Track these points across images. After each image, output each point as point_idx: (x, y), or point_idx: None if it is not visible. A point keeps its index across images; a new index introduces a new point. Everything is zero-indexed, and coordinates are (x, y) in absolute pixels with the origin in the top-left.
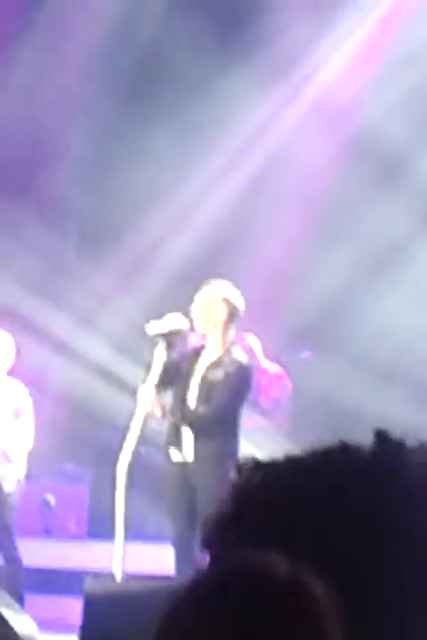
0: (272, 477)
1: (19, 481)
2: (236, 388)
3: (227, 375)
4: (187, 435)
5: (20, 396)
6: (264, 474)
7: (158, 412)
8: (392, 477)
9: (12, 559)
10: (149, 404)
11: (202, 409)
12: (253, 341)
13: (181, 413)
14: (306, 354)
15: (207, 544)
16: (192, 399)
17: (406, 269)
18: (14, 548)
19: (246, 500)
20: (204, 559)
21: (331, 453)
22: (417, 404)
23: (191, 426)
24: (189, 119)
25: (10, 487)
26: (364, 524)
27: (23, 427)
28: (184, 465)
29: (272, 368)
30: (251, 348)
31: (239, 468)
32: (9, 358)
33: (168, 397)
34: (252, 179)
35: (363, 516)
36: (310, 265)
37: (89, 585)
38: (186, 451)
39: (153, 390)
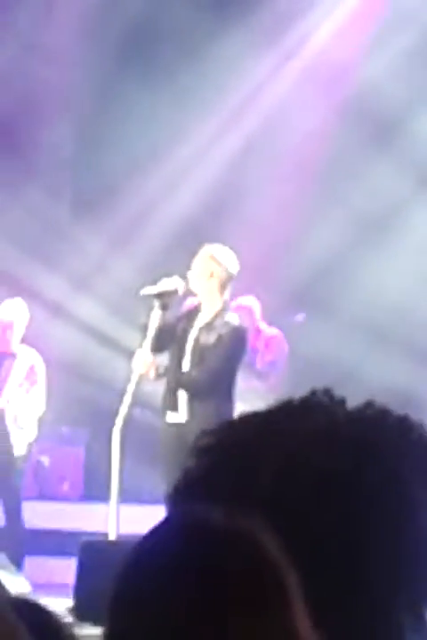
0: (241, 433)
1: (29, 444)
2: (229, 350)
3: (220, 338)
4: (182, 397)
5: (35, 363)
6: (235, 431)
7: (152, 374)
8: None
9: (16, 523)
10: (143, 366)
11: (195, 372)
12: (254, 303)
13: (175, 376)
14: (300, 316)
15: (170, 499)
16: (186, 362)
17: (401, 232)
18: (19, 513)
19: (213, 456)
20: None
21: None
22: (412, 366)
23: (186, 388)
24: (185, 81)
25: (20, 451)
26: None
27: (36, 393)
28: (179, 426)
29: (269, 331)
30: (251, 310)
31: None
32: (23, 326)
33: (163, 359)
34: (247, 141)
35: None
36: (305, 227)
37: (84, 544)
38: (181, 413)
39: (147, 352)
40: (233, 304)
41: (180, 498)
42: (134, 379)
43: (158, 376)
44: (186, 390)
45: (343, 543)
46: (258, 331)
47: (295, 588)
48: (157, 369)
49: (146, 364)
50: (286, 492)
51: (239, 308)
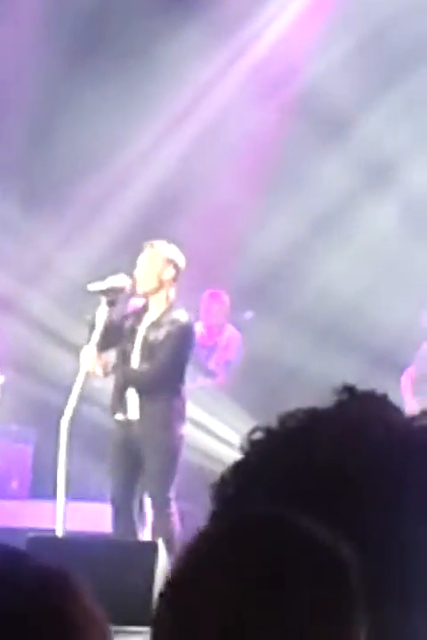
0: (283, 442)
1: None
2: (178, 346)
3: (168, 334)
4: (131, 395)
5: None
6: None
7: (100, 371)
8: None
9: None
10: (90, 363)
11: (145, 367)
12: (227, 299)
13: (124, 373)
14: (249, 314)
15: (223, 497)
16: (135, 359)
17: (348, 230)
18: None
19: (267, 458)
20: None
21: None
22: (356, 364)
23: (135, 384)
24: (135, 79)
25: None
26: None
27: None
28: (128, 424)
29: (232, 330)
30: (226, 306)
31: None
32: None
33: (111, 357)
34: (195, 139)
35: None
36: (254, 226)
37: (30, 540)
38: (130, 411)
39: (95, 349)
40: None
41: (237, 491)
42: (81, 375)
43: (106, 373)
44: (135, 386)
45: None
46: (222, 327)
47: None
48: (104, 366)
49: (92, 360)
50: (346, 458)
51: (218, 299)
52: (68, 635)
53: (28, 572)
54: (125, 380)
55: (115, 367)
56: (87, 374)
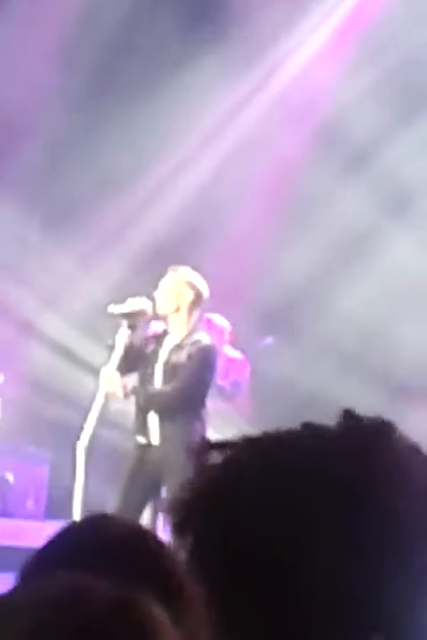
0: (234, 460)
1: None
2: (199, 368)
3: (190, 357)
4: (152, 419)
5: None
6: (226, 458)
7: (120, 392)
8: (363, 453)
9: None
10: (110, 385)
11: (167, 389)
12: (225, 323)
13: (144, 395)
14: (269, 340)
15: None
16: (157, 382)
17: (371, 258)
18: None
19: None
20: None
21: (295, 431)
22: (377, 391)
23: (156, 405)
24: (158, 104)
25: None
26: (343, 499)
27: None
28: (147, 446)
29: (232, 352)
30: (223, 330)
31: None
32: None
33: (131, 381)
34: (219, 165)
35: (339, 492)
36: (276, 252)
37: None
38: (152, 434)
39: (115, 371)
40: (205, 316)
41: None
42: (100, 397)
43: (126, 395)
44: (155, 407)
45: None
46: (221, 351)
47: None
48: (124, 387)
49: (112, 381)
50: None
51: (210, 325)
52: None
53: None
54: (146, 401)
55: (135, 390)
56: (106, 396)
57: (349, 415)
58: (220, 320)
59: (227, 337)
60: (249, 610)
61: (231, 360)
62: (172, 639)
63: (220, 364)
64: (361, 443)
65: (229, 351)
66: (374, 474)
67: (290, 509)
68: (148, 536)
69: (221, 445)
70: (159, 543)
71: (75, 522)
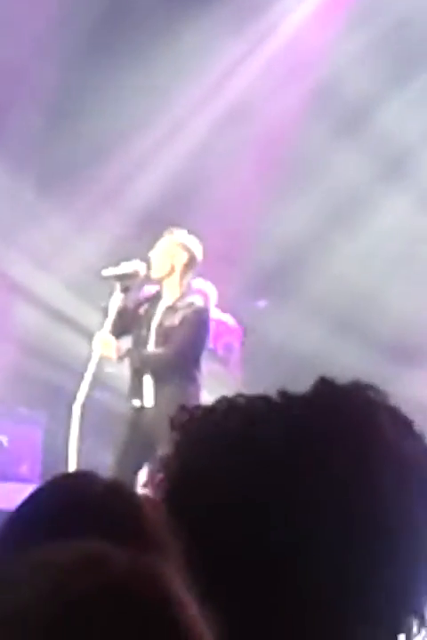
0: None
1: None
2: (193, 330)
3: (183, 319)
4: (147, 382)
5: None
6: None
7: (114, 355)
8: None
9: None
10: (103, 347)
11: (161, 350)
12: (210, 288)
13: (139, 357)
14: (262, 303)
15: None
16: (151, 344)
17: (365, 220)
18: None
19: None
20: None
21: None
22: (371, 352)
23: (150, 369)
24: (152, 65)
25: None
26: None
27: None
28: (142, 409)
29: (221, 315)
30: (206, 295)
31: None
32: None
33: (125, 343)
34: (212, 128)
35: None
36: (269, 215)
37: None
38: (147, 397)
39: (108, 334)
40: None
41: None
42: (95, 359)
43: (120, 358)
44: (150, 369)
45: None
46: (218, 314)
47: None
48: (118, 350)
49: (106, 343)
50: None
51: (196, 292)
52: None
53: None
54: (141, 363)
55: (129, 352)
56: (100, 359)
57: (323, 380)
58: (203, 285)
59: (213, 302)
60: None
61: (221, 323)
62: (192, 609)
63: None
64: (332, 402)
65: (217, 314)
66: (344, 430)
67: (258, 480)
68: (125, 491)
69: (201, 410)
70: (137, 498)
71: (50, 482)
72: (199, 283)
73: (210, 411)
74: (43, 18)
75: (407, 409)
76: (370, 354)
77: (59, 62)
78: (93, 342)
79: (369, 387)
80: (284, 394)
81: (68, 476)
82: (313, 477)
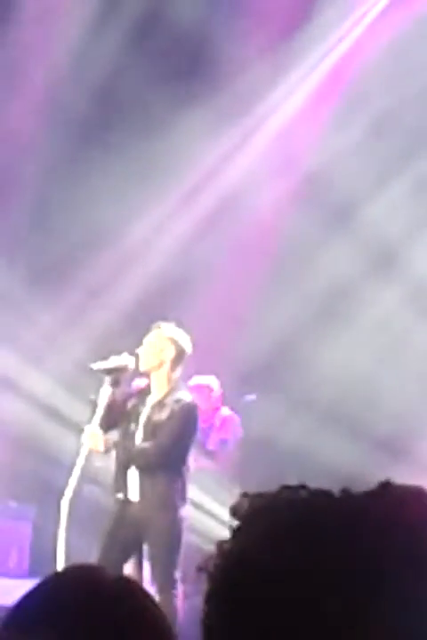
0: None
1: None
2: (180, 426)
3: (171, 414)
4: (132, 476)
5: None
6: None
7: (102, 447)
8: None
9: None
10: (91, 440)
11: (147, 445)
12: (213, 382)
13: (125, 451)
14: (251, 397)
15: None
16: (138, 439)
17: (353, 314)
18: None
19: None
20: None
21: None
22: (359, 448)
23: (137, 462)
24: (141, 159)
25: None
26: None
27: None
28: (127, 504)
29: (226, 411)
30: (210, 388)
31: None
32: None
33: (113, 436)
34: (203, 220)
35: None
36: (258, 308)
37: None
38: (131, 491)
39: (97, 427)
40: (191, 382)
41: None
42: (84, 453)
43: (108, 450)
44: (137, 463)
45: None
46: (215, 409)
47: None
48: (106, 442)
49: (93, 436)
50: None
51: (199, 387)
52: None
53: None
54: (128, 457)
55: (117, 445)
56: (89, 453)
57: (387, 482)
58: (207, 379)
59: (217, 394)
60: None
61: (224, 418)
62: None
63: (214, 423)
64: (393, 500)
65: (223, 410)
66: (399, 528)
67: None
68: (134, 587)
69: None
70: (145, 594)
71: (60, 573)
72: (201, 378)
73: (273, 500)
74: (32, 109)
75: None
76: (359, 447)
77: (48, 154)
78: (83, 435)
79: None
80: (345, 490)
81: (80, 567)
82: (365, 571)
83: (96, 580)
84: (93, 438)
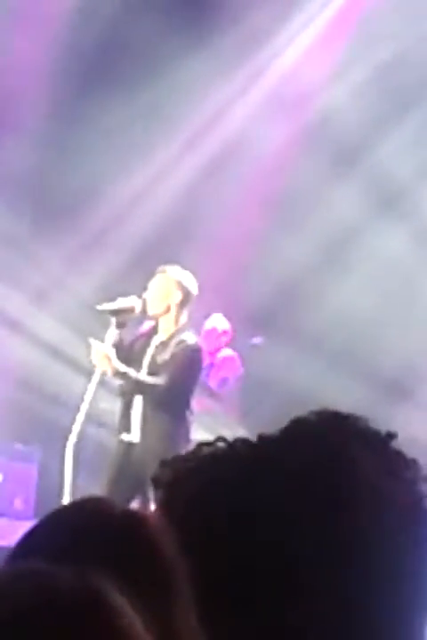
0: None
1: None
2: (182, 368)
3: (174, 356)
4: (135, 417)
5: None
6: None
7: (109, 370)
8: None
9: None
10: (101, 361)
11: (155, 380)
12: (225, 324)
13: (134, 381)
14: (258, 340)
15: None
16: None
17: (361, 256)
18: None
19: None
20: None
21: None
22: (366, 389)
23: (140, 394)
24: (147, 100)
25: None
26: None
27: None
28: (131, 445)
29: (226, 351)
30: (229, 334)
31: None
32: None
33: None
34: (209, 162)
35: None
36: (266, 250)
37: None
38: (134, 432)
39: (110, 348)
40: (209, 323)
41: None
42: (90, 393)
43: (116, 374)
44: (140, 393)
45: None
46: (218, 350)
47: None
48: (114, 369)
49: (105, 359)
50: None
51: (213, 331)
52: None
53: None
54: (134, 386)
55: (122, 387)
56: (95, 394)
57: (296, 420)
58: (221, 322)
59: (227, 339)
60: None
61: (224, 357)
62: (136, 630)
63: (214, 362)
64: (304, 441)
65: (227, 351)
66: (316, 466)
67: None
68: (144, 518)
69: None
70: (155, 526)
71: (68, 504)
72: (214, 319)
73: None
74: (36, 54)
75: (403, 445)
76: (366, 389)
77: (52, 99)
78: (92, 353)
79: (346, 420)
80: (261, 437)
81: (89, 499)
82: (290, 515)
83: (106, 510)
84: (103, 360)
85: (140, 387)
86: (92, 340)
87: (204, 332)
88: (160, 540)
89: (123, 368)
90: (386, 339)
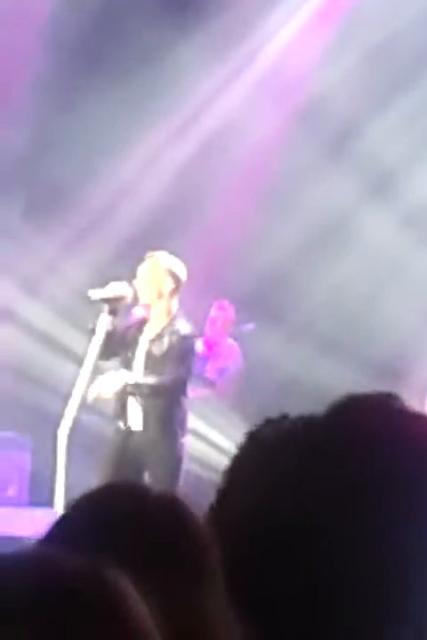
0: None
1: None
2: (179, 358)
3: (170, 347)
4: (133, 405)
5: None
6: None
7: (108, 395)
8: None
9: None
10: (106, 383)
11: (155, 379)
12: (229, 310)
13: (137, 386)
14: (249, 326)
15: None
16: (138, 369)
17: (352, 241)
18: None
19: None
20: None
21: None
22: (357, 374)
23: (138, 395)
24: (137, 87)
25: None
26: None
27: None
28: (129, 434)
29: (227, 340)
30: (230, 320)
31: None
32: None
33: (112, 366)
34: (198, 150)
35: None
36: (256, 236)
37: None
38: (132, 420)
39: (121, 377)
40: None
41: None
42: (82, 382)
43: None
44: (139, 396)
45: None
46: (219, 340)
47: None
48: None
49: (110, 383)
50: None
51: (223, 308)
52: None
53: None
54: (133, 390)
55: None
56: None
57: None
58: (228, 310)
59: (227, 324)
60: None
61: (225, 347)
62: (141, 613)
63: (214, 351)
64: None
65: (227, 341)
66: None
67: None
68: (182, 505)
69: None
70: (193, 514)
71: (102, 488)
72: (219, 307)
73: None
74: (27, 41)
75: None
76: (358, 374)
77: (44, 85)
78: (101, 380)
79: (394, 399)
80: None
81: (124, 483)
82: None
83: (142, 494)
84: (107, 383)
85: (142, 388)
86: (102, 377)
87: (209, 320)
88: (194, 523)
89: (131, 380)
90: (377, 323)
